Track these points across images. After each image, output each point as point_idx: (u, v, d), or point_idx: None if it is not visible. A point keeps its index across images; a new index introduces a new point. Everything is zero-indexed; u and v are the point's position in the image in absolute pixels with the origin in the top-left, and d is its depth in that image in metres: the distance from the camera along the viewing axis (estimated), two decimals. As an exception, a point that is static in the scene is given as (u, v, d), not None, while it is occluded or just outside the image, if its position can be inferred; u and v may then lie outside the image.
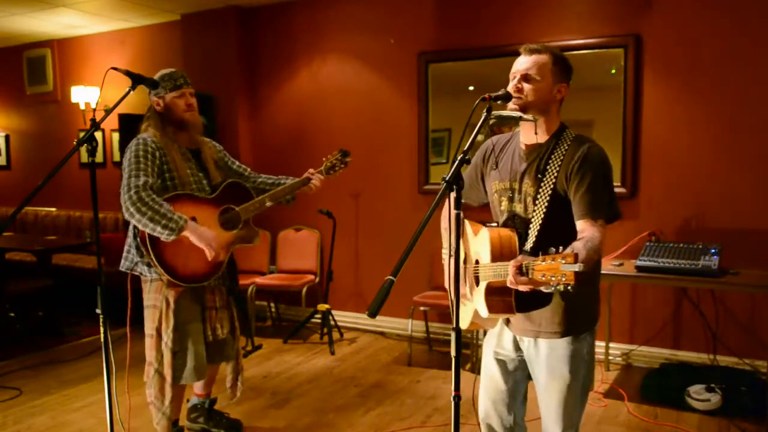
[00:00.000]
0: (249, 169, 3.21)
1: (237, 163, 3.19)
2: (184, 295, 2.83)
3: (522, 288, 1.67)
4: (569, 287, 1.51)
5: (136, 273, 2.84)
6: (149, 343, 2.87)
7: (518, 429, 2.19)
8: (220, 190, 2.90)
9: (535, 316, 1.96)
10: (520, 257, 1.67)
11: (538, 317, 1.96)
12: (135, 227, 2.75)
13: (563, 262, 1.51)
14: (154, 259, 2.70)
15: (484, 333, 2.25)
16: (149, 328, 2.86)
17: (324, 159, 3.16)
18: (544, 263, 1.56)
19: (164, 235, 2.61)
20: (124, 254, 2.86)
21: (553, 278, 1.53)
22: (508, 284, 1.70)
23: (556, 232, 1.90)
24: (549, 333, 1.96)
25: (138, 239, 2.76)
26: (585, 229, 1.85)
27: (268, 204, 2.97)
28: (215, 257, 2.78)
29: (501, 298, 1.86)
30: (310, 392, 3.89)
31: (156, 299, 2.83)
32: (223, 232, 2.85)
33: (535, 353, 2.01)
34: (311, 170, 3.08)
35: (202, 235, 2.72)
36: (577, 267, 1.48)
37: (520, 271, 1.65)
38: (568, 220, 1.90)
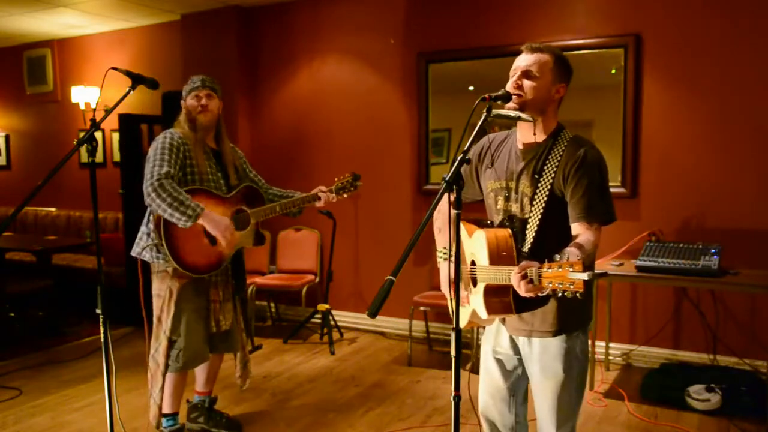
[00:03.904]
0: (263, 180, 3.35)
1: (254, 172, 3.33)
2: (187, 286, 2.95)
3: (527, 294, 1.66)
4: (578, 294, 1.51)
5: (145, 259, 2.96)
6: (154, 329, 3.01)
7: (520, 428, 2.19)
8: (236, 191, 3.06)
9: (528, 315, 1.97)
10: (524, 263, 1.65)
11: (531, 316, 1.97)
12: (149, 214, 2.92)
13: (570, 270, 1.50)
14: (164, 243, 2.84)
15: (483, 329, 2.25)
16: (154, 315, 2.99)
17: (336, 179, 3.25)
18: (550, 271, 1.55)
19: (182, 221, 2.76)
20: (137, 240, 3.00)
21: (560, 285, 1.52)
22: (516, 289, 1.68)
23: (553, 233, 1.91)
24: (542, 332, 1.97)
25: (152, 225, 2.90)
26: (580, 232, 1.85)
27: (278, 212, 3.12)
28: (221, 250, 2.93)
29: (499, 299, 1.86)
30: (310, 392, 3.89)
31: (160, 289, 2.97)
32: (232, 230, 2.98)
33: (530, 352, 2.02)
34: (322, 188, 3.19)
35: (218, 222, 2.87)
36: (585, 275, 1.48)
37: (525, 277, 1.63)
38: (564, 221, 1.91)
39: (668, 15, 4.01)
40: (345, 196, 3.26)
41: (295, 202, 3.16)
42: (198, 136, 2.99)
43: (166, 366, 2.95)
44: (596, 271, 1.53)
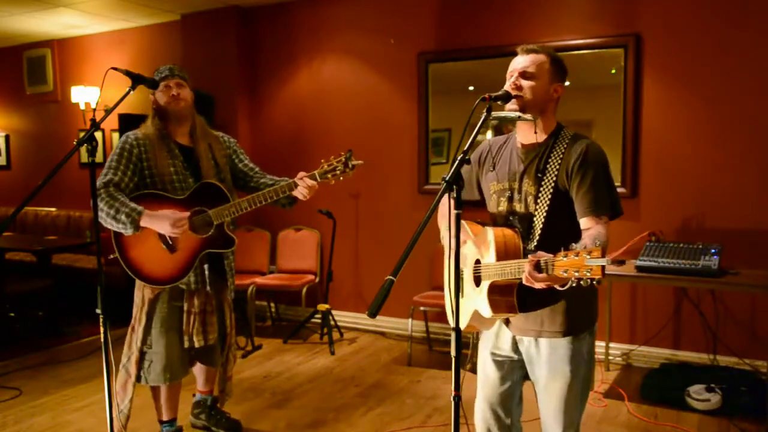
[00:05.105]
0: (257, 169, 3.05)
1: (246, 161, 3.05)
2: (161, 295, 2.82)
3: (538, 285, 1.66)
4: (595, 281, 1.49)
5: None
6: (127, 337, 2.91)
7: (515, 430, 2.19)
8: (191, 191, 2.77)
9: (536, 315, 1.96)
10: (538, 253, 1.65)
11: (540, 317, 1.96)
12: None
13: (588, 256, 1.49)
14: (120, 258, 2.73)
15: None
16: (131, 323, 2.91)
17: (323, 161, 2.77)
18: (565, 259, 1.55)
19: (122, 228, 2.62)
20: None
21: (577, 273, 1.51)
22: (524, 281, 1.68)
23: (559, 230, 1.91)
24: (550, 332, 1.97)
25: None
26: (590, 226, 1.86)
27: (247, 207, 2.73)
28: (181, 255, 2.74)
29: (504, 298, 1.85)
30: (310, 392, 3.89)
31: (136, 296, 2.87)
32: (191, 234, 2.75)
33: (536, 353, 2.01)
34: (302, 173, 2.76)
35: (161, 218, 2.64)
36: (604, 261, 1.47)
37: (538, 267, 1.63)
38: (570, 219, 1.91)
39: (668, 15, 4.01)
40: (341, 179, 2.74)
41: (267, 194, 2.73)
42: (163, 133, 2.79)
43: (138, 377, 2.84)
44: (613, 258, 1.52)
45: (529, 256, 1.67)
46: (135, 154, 2.74)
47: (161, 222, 2.65)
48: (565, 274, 1.54)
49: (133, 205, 2.63)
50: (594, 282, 1.49)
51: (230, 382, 3.18)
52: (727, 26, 3.86)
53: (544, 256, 1.63)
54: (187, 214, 2.72)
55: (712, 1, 3.89)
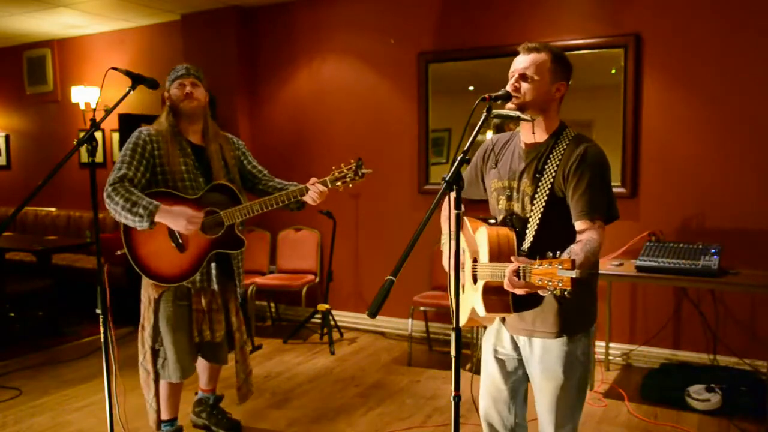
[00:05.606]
0: (265, 171, 3.10)
1: (254, 163, 3.09)
2: (166, 294, 2.83)
3: (518, 291, 1.68)
4: (566, 292, 1.50)
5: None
6: (139, 336, 2.94)
7: (519, 429, 2.18)
8: (204, 192, 2.81)
9: (529, 315, 1.96)
10: (520, 259, 1.66)
11: (532, 316, 1.96)
12: None
13: (560, 267, 1.50)
14: (128, 254, 2.75)
15: (484, 329, 2.24)
16: (140, 322, 2.93)
17: (334, 167, 2.86)
18: (541, 267, 1.56)
19: (137, 223, 2.60)
20: None
21: (550, 283, 1.53)
22: (505, 287, 1.70)
23: (553, 232, 1.90)
24: (543, 333, 1.96)
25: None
26: (583, 230, 1.84)
27: (258, 210, 2.79)
28: (189, 254, 2.76)
29: (498, 297, 1.86)
30: (310, 392, 3.89)
31: (143, 294, 2.89)
32: (201, 234, 2.78)
33: (530, 352, 2.01)
34: (314, 179, 2.85)
35: (176, 215, 2.64)
36: (573, 273, 1.48)
37: (518, 274, 1.64)
38: (565, 221, 1.90)
39: (668, 15, 4.01)
40: (350, 186, 2.85)
41: (279, 198, 2.80)
42: (176, 130, 2.82)
43: (156, 373, 2.89)
44: (584, 269, 1.53)
45: (512, 258, 1.68)
46: (148, 150, 2.75)
47: (176, 218, 2.64)
48: (540, 283, 1.55)
49: (149, 199, 2.64)
50: (565, 293, 1.50)
51: (250, 377, 3.17)
52: (727, 26, 3.86)
53: (524, 262, 1.64)
54: (202, 213, 2.73)
55: (712, 1, 3.89)
